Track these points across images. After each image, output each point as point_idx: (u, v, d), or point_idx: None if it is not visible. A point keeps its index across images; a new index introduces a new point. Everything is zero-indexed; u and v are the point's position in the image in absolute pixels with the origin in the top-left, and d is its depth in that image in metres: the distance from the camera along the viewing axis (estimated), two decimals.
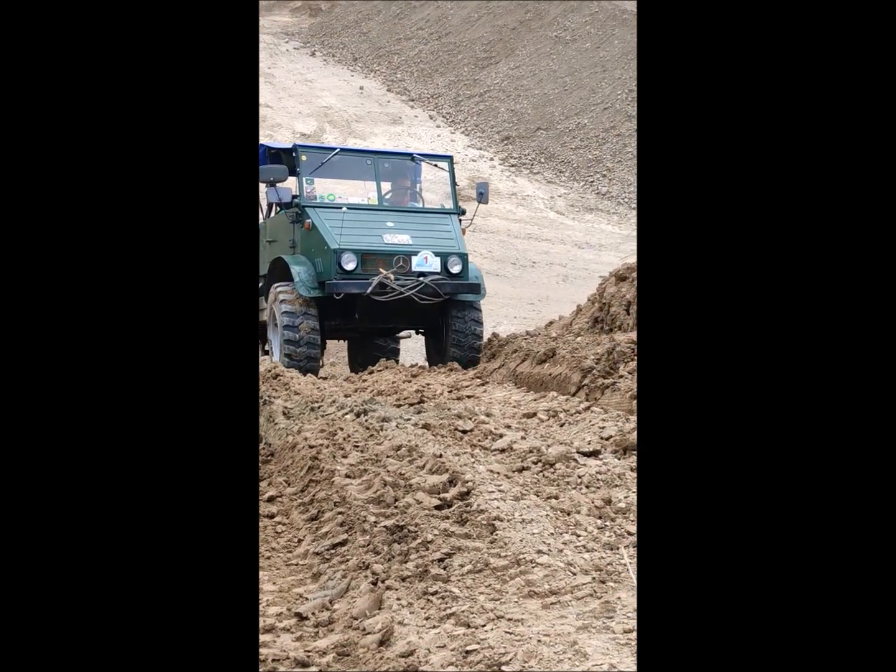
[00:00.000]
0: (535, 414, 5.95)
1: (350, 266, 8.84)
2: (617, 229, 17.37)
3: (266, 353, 11.10)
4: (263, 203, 10.63)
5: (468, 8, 28.15)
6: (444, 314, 9.52)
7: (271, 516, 4.84)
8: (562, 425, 5.58)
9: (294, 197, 9.95)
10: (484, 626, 3.19)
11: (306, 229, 9.23)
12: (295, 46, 29.59)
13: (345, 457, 5.18)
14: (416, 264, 9.06)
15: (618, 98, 22.84)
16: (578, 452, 4.77)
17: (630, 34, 24.25)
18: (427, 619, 3.35)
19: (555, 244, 22.35)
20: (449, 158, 10.71)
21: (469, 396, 7.08)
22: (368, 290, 8.74)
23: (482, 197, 10.22)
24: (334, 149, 10.31)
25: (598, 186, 20.03)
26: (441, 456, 4.76)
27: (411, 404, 7.11)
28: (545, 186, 25.44)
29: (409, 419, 5.95)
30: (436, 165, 10.67)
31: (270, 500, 5.12)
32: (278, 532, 4.65)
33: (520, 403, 6.38)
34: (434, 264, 9.13)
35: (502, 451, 5.02)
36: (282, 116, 22.69)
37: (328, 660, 3.28)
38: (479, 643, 3.05)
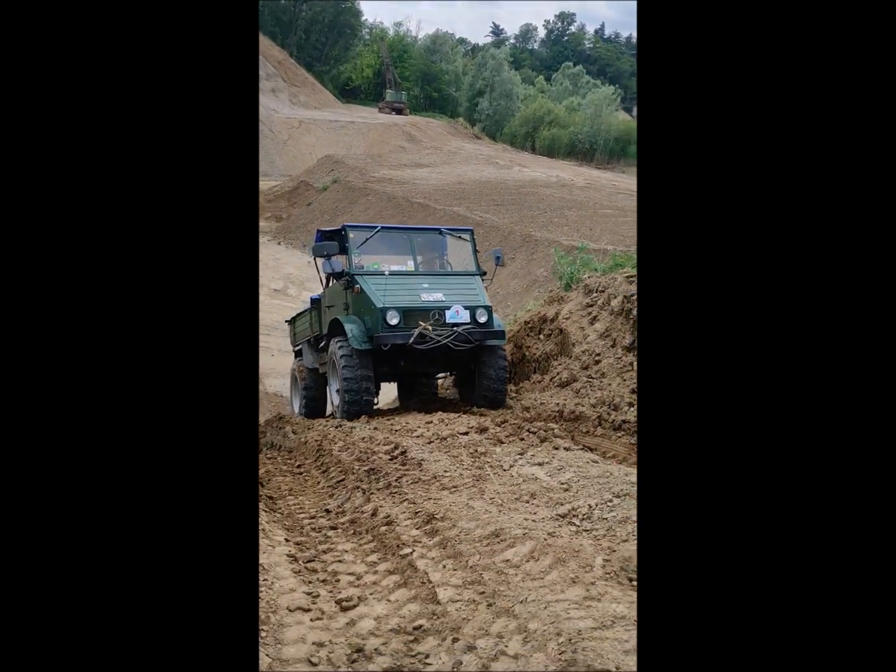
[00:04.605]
0: (432, 421, 5.93)
1: (394, 321, 6.89)
2: None
3: (304, 404, 8.72)
4: (323, 276, 8.27)
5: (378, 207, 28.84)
6: (474, 358, 7.32)
7: (301, 473, 5.13)
8: (447, 424, 5.68)
9: (344, 269, 7.68)
10: (423, 502, 3.68)
11: (356, 293, 7.26)
12: (268, 239, 29.83)
13: (335, 443, 5.45)
14: (450, 317, 7.03)
15: None
16: (458, 433, 5.14)
17: None
18: (394, 503, 3.81)
19: None
20: (470, 231, 8.29)
21: (399, 416, 6.76)
22: (410, 341, 6.79)
23: (499, 261, 8.18)
24: (376, 227, 7.93)
25: None
26: (388, 438, 5.17)
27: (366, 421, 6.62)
28: None
29: (365, 426, 6.04)
30: (460, 237, 8.14)
31: (299, 466, 5.36)
32: (306, 480, 4.96)
33: (425, 418, 6.28)
34: (464, 316, 7.06)
35: (419, 435, 5.28)
36: (262, 280, 23.00)
37: (346, 525, 3.73)
38: (421, 508, 3.57)
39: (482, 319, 7.11)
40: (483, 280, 7.72)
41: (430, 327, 6.86)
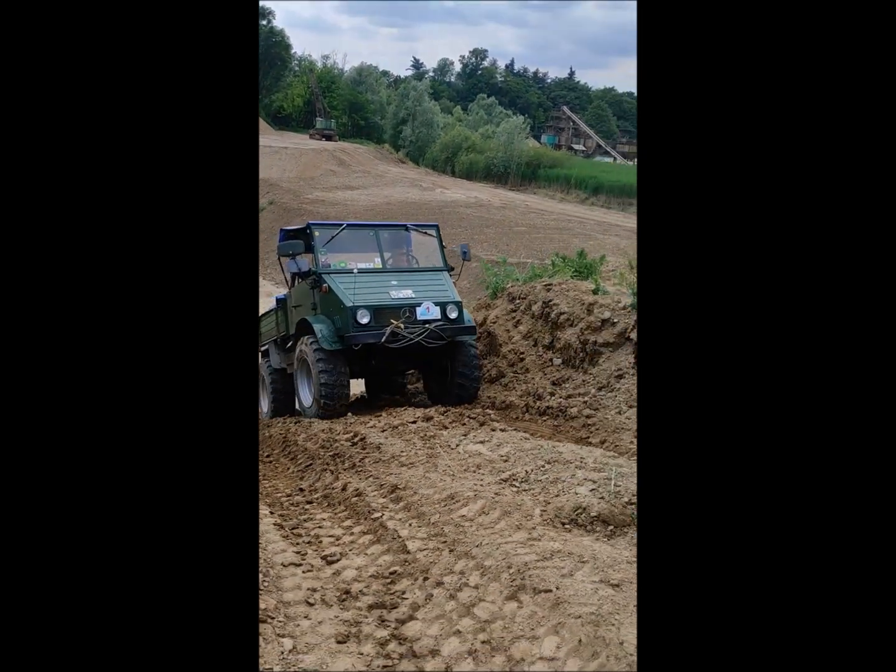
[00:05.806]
0: (381, 414, 5.87)
1: (364, 320, 6.17)
2: None
3: (272, 404, 8.02)
4: (288, 275, 7.57)
5: None
6: (447, 355, 6.60)
7: (270, 462, 5.28)
8: (395, 416, 5.67)
9: (310, 268, 6.85)
10: (386, 477, 3.94)
11: (323, 292, 6.48)
12: None
13: (298, 436, 5.61)
14: (421, 314, 6.32)
15: None
16: (408, 422, 5.32)
17: None
18: (360, 479, 4.05)
19: None
20: (436, 226, 7.44)
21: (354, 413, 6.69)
22: (383, 340, 6.10)
23: (466, 255, 7.38)
24: (342, 224, 7.12)
25: None
26: (346, 428, 5.35)
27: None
28: None
29: (322, 421, 6.00)
30: (426, 233, 7.33)
31: (268, 456, 5.49)
32: (276, 467, 5.13)
33: (374, 412, 6.31)
34: (435, 312, 6.38)
35: (373, 426, 5.39)
36: None
37: (320, 500, 3.97)
38: (385, 482, 3.83)
39: (453, 315, 6.49)
40: (451, 275, 7.07)
41: (401, 325, 6.20)
